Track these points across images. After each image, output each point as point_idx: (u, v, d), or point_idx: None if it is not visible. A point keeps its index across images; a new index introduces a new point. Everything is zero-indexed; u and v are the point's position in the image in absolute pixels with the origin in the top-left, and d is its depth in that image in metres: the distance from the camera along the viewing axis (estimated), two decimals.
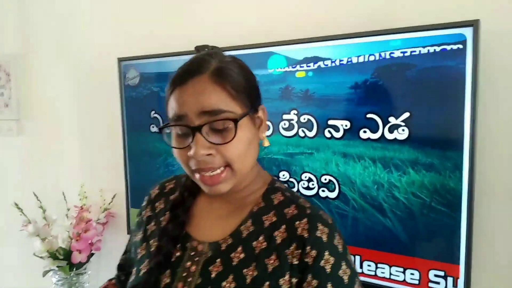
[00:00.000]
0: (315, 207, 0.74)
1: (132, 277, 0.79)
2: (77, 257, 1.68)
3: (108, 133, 1.86)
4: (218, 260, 0.71)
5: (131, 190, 1.71)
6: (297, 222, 0.70)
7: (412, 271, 1.13)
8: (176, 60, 1.49)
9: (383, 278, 1.17)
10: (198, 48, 1.56)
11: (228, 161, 0.67)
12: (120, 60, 1.64)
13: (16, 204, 1.72)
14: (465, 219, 1.05)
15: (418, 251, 1.13)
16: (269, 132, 1.29)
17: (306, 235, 0.69)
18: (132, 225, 1.72)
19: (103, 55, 1.81)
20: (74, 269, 1.74)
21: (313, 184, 1.26)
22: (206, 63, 0.69)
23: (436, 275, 1.10)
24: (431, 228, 1.10)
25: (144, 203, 0.88)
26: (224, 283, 0.68)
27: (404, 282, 1.14)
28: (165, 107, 0.72)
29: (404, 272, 1.14)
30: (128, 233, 1.73)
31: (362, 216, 1.18)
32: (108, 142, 1.87)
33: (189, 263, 0.73)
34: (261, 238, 0.71)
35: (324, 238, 0.69)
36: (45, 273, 1.70)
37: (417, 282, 1.12)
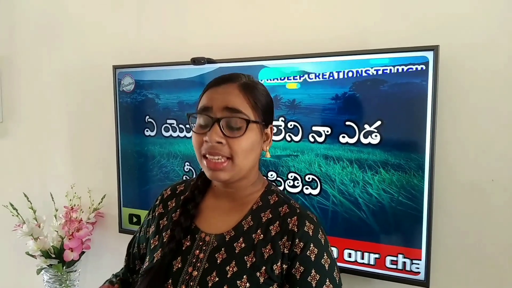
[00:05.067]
0: (304, 207, 0.89)
1: (146, 263, 0.90)
2: (69, 255, 1.75)
3: (99, 136, 1.92)
4: (223, 249, 0.84)
5: (123, 190, 1.80)
6: (289, 219, 0.84)
7: (384, 256, 1.32)
8: (170, 69, 1.61)
9: (360, 264, 1.35)
10: (194, 60, 1.71)
11: (233, 153, 0.81)
12: (116, 67, 1.72)
13: (12, 205, 1.75)
14: (426, 210, 1.24)
15: (388, 238, 1.31)
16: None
17: (296, 229, 0.82)
18: (123, 224, 1.81)
19: (98, 62, 1.87)
20: (65, 267, 1.80)
21: (298, 183, 1.43)
22: (238, 77, 0.85)
23: (403, 258, 1.28)
24: (398, 219, 1.28)
25: (156, 202, 0.99)
26: (228, 267, 0.81)
27: (375, 266, 1.33)
28: (197, 106, 0.87)
29: (380, 258, 1.32)
30: (119, 232, 1.82)
31: (341, 209, 1.35)
32: (99, 145, 1.92)
33: (197, 251, 0.85)
34: (259, 231, 0.84)
35: (310, 232, 0.83)
36: (39, 271, 1.75)
37: (389, 265, 1.31)
